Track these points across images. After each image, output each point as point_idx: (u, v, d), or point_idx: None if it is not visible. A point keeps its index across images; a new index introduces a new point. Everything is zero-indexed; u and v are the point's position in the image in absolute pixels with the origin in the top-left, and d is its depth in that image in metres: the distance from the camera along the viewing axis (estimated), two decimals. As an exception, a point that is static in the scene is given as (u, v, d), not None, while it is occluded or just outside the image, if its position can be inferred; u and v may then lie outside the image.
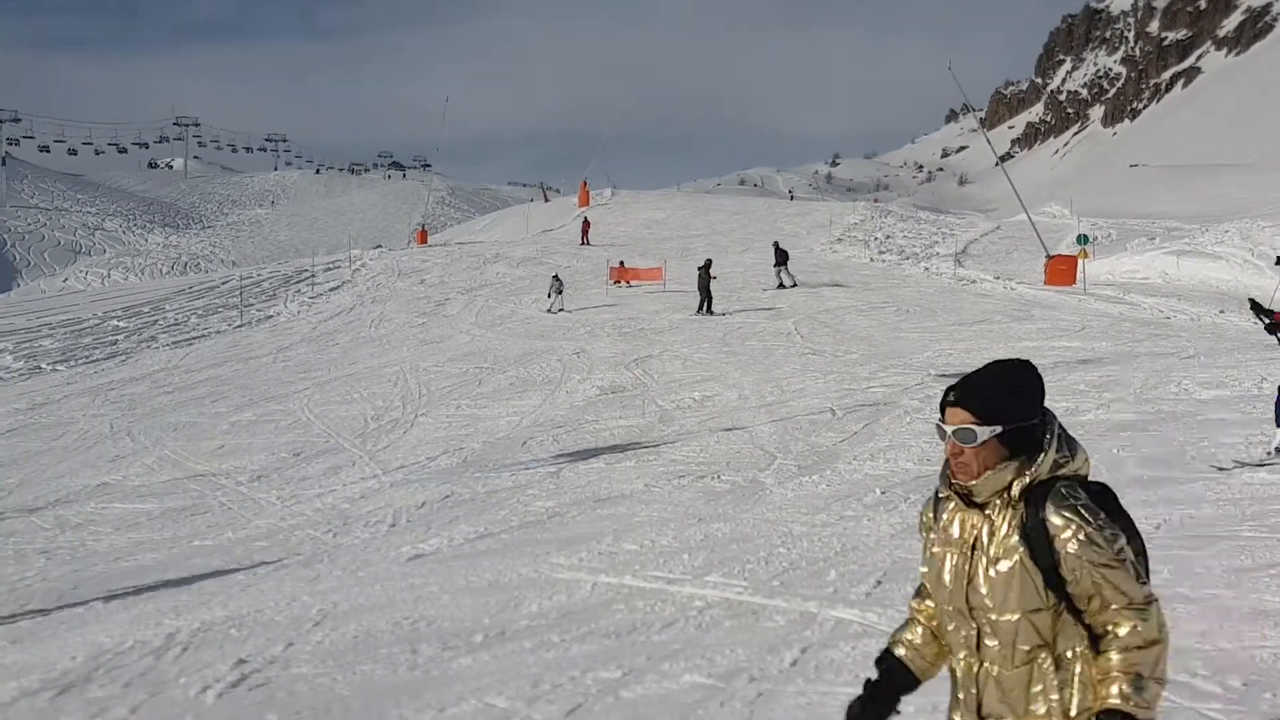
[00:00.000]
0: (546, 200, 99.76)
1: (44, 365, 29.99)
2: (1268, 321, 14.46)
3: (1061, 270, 39.91)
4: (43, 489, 16.90)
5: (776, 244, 41.87)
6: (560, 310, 36.80)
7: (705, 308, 34.72)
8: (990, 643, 3.39)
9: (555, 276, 38.78)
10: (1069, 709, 3.30)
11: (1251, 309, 15.16)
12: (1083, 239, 46.46)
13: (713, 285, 35.59)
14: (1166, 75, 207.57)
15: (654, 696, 6.88)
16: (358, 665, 7.81)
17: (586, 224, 61.25)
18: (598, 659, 7.53)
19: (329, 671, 7.72)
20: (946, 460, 3.46)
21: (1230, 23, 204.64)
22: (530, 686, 7.07)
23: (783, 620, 8.07)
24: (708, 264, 35.93)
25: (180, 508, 15.26)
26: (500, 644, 8.04)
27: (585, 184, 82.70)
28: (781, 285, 40.08)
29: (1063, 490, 3.32)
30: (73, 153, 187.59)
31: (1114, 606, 3.26)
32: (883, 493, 12.45)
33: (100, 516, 14.86)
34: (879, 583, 8.86)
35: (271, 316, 38.45)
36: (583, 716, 6.66)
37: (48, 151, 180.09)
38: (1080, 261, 40.03)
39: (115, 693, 7.59)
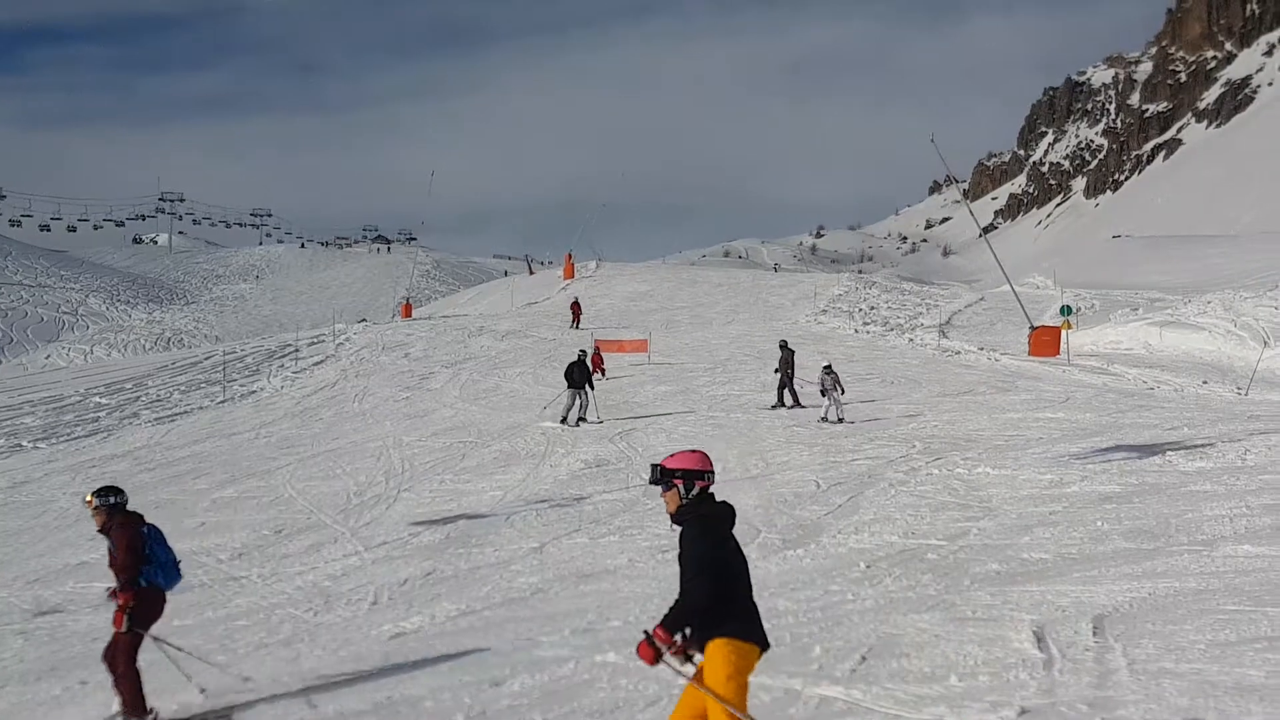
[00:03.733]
0: (531, 273, 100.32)
1: (25, 443, 29.80)
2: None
3: (1045, 341, 40.22)
4: (21, 568, 16.71)
5: (584, 354, 30.74)
6: (841, 420, 26.40)
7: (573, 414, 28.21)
8: None
9: (827, 368, 27.47)
10: None
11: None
12: (1066, 310, 46.66)
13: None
14: (1148, 147, 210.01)
15: (636, 778, 6.81)
16: (336, 747, 7.72)
17: (577, 306, 55.82)
18: (580, 739, 7.45)
19: (307, 754, 7.62)
20: None
21: (1210, 95, 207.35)
22: (511, 768, 6.99)
23: (767, 698, 8.00)
24: None
25: (160, 586, 15.09)
26: (481, 724, 7.96)
27: (570, 257, 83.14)
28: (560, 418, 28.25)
29: None
30: (72, 230, 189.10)
31: None
32: (867, 567, 12.42)
33: (79, 596, 14.69)
34: (864, 659, 8.80)
35: (255, 392, 38.29)
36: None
37: (48, 230, 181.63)
38: (1064, 333, 40.28)
39: (90, 778, 7.49)
